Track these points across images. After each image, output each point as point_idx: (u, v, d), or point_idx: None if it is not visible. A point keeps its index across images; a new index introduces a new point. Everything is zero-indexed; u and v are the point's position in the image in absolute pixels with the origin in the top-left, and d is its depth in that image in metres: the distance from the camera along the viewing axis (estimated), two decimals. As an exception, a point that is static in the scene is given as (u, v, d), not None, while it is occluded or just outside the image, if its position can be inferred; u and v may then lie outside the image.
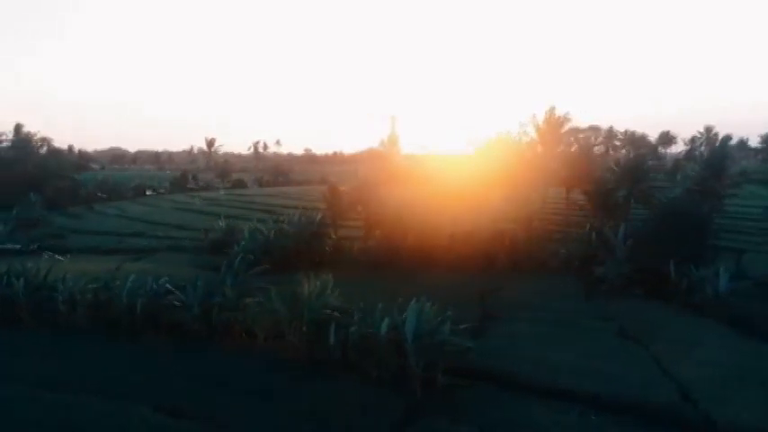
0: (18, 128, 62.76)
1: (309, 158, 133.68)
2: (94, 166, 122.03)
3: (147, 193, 64.84)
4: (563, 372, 13.84)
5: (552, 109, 34.40)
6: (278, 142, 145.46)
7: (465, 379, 13.73)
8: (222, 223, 33.77)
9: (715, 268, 19.03)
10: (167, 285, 16.16)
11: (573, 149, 33.86)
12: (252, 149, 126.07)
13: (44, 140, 62.97)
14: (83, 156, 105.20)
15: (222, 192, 64.25)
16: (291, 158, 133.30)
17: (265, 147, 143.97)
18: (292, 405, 10.86)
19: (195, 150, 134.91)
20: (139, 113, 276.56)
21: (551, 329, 17.46)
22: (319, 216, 28.80)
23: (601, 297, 21.64)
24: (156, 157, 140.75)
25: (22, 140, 61.54)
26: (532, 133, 34.33)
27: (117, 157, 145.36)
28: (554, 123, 34.16)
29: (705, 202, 23.33)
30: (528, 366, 14.14)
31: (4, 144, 61.48)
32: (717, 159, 23.38)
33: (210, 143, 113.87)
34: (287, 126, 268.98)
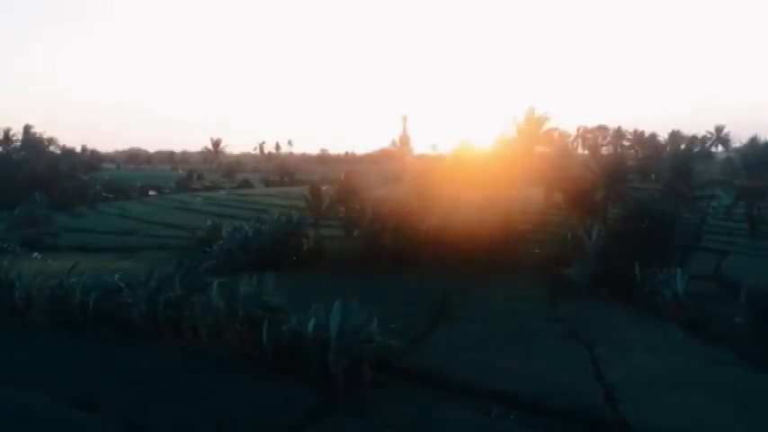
0: (27, 128, 64.40)
1: (320, 159, 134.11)
2: (110, 165, 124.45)
3: (150, 193, 65.91)
4: (499, 373, 13.83)
5: (531, 109, 34.29)
6: (290, 142, 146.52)
7: (400, 378, 13.90)
8: (209, 222, 34.20)
9: (674, 270, 18.77)
10: (119, 283, 16.49)
11: (552, 150, 33.61)
12: (257, 150, 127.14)
13: (50, 140, 64.37)
14: (95, 156, 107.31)
15: (223, 192, 65.02)
16: (302, 159, 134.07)
17: (278, 147, 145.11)
18: (207, 403, 11.08)
19: (210, 150, 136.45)
20: (157, 114, 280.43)
21: (502, 330, 17.44)
22: (297, 216, 29.01)
23: (565, 298, 21.52)
24: (170, 157, 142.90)
25: (31, 141, 63.03)
26: (513, 133, 34.26)
27: (132, 156, 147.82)
28: (533, 123, 33.92)
29: (671, 204, 22.99)
30: (465, 367, 14.15)
31: (15, 144, 63.07)
32: (681, 161, 22.94)
33: (216, 143, 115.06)
34: (305, 126, 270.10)
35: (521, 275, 25.25)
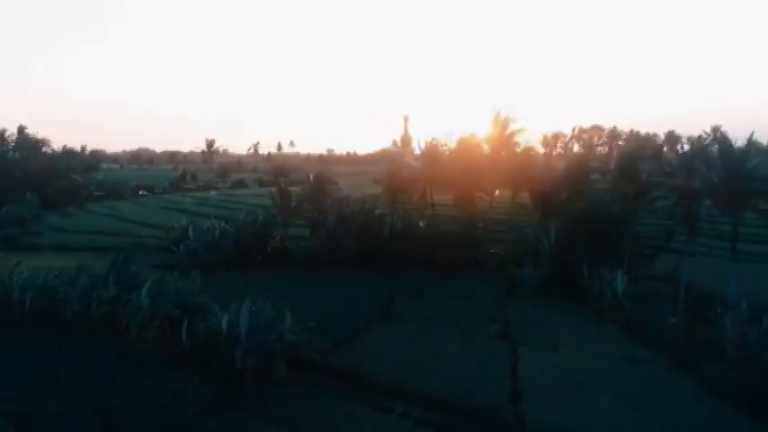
0: (21, 129, 65.26)
1: (320, 159, 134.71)
2: (114, 165, 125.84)
3: (140, 192, 66.67)
4: (421, 372, 13.90)
5: (498, 111, 34.42)
6: (291, 143, 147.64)
7: (322, 377, 14.00)
8: (183, 222, 34.46)
9: (614, 272, 18.78)
10: (54, 282, 16.80)
11: (518, 150, 33.66)
12: (252, 150, 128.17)
13: (43, 141, 65.21)
14: (94, 155, 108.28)
15: (213, 192, 65.57)
16: (303, 159, 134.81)
17: (279, 147, 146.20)
18: (104, 399, 11.29)
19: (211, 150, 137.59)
20: (163, 115, 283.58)
21: (440, 331, 17.49)
22: (261, 216, 29.24)
23: (517, 298, 21.60)
24: (172, 158, 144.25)
25: (25, 141, 63.88)
26: (480, 135, 34.40)
27: (135, 157, 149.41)
28: (500, 125, 33.97)
29: (618, 205, 22.92)
30: (391, 366, 14.22)
31: (10, 144, 63.89)
32: (626, 163, 22.78)
33: (210, 144, 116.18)
34: (309, 127, 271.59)
35: (479, 276, 25.32)
